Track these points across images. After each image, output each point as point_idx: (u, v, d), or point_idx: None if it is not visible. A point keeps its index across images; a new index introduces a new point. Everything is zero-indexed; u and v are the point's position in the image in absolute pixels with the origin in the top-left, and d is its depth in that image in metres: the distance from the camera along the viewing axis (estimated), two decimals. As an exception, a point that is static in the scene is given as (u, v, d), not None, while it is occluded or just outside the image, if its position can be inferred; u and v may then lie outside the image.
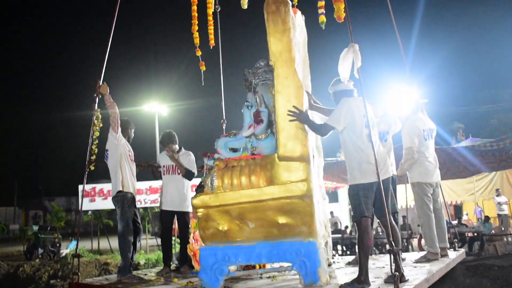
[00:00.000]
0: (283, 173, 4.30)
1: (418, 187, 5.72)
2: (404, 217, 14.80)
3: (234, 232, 4.49)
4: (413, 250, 11.95)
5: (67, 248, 21.98)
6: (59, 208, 27.93)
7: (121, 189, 5.55)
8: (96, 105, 5.62)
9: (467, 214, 15.90)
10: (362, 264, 4.05)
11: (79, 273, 5.31)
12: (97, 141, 5.62)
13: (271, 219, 4.38)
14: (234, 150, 5.12)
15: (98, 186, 22.60)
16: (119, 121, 5.55)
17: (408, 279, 4.16)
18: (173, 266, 6.15)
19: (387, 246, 4.05)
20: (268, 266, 5.44)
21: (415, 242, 12.41)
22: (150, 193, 21.64)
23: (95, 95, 5.57)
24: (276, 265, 5.36)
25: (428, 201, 5.68)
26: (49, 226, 26.59)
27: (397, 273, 3.81)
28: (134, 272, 5.77)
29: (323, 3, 5.19)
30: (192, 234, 5.63)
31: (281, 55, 4.45)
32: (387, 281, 4.02)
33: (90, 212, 24.35)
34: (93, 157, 5.64)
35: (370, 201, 4.16)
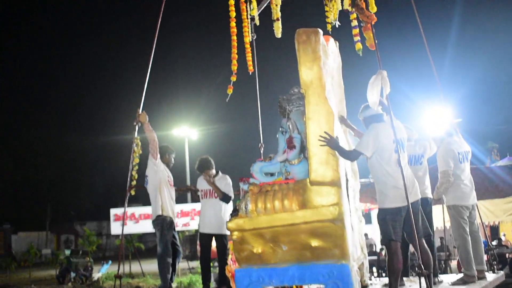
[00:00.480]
0: (315, 198, 4.59)
1: (454, 210, 5.91)
2: (441, 238, 14.75)
3: (268, 254, 4.81)
4: (451, 272, 11.91)
5: (99, 272, 22.61)
6: (90, 232, 28.64)
7: (160, 213, 6.05)
8: (136, 132, 6.12)
9: (504, 235, 15.74)
10: (392, 286, 4.37)
11: None
12: (137, 167, 6.14)
13: (304, 242, 4.67)
14: (270, 174, 5.48)
15: (130, 210, 23.29)
16: (158, 148, 6.06)
17: None
18: (212, 287, 6.49)
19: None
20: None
21: (454, 263, 12.39)
22: (181, 216, 22.10)
23: (135, 123, 6.08)
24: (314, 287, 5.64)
25: (464, 223, 5.86)
26: (80, 250, 27.41)
27: None
28: None
29: (357, 30, 5.60)
30: (230, 256, 5.98)
31: (312, 83, 4.79)
32: None
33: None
34: (134, 183, 6.14)
35: (398, 225, 4.45)
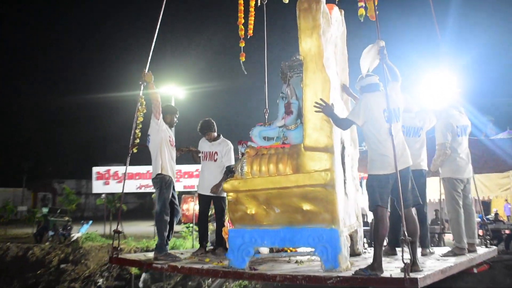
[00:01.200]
0: (308, 162, 5.08)
1: (448, 182, 6.35)
2: (436, 211, 15.30)
3: (261, 216, 5.34)
4: (444, 245, 12.50)
5: (78, 232, 23.06)
6: (70, 191, 29.09)
7: (160, 171, 6.50)
8: (141, 92, 6.60)
9: (496, 211, 16.38)
10: (376, 252, 4.74)
11: (118, 248, 6.45)
12: (140, 126, 6.63)
13: (296, 206, 5.16)
14: (270, 139, 5.98)
15: (113, 169, 23.80)
16: (160, 108, 6.48)
17: (422, 269, 4.84)
18: (209, 247, 7.03)
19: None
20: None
21: (448, 237, 13.00)
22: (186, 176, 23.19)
23: (140, 82, 6.54)
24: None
25: (458, 196, 6.29)
26: (59, 209, 27.91)
27: (408, 261, 4.42)
28: (171, 251, 6.73)
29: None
30: (227, 218, 6.42)
31: (310, 51, 5.23)
32: (402, 269, 4.61)
33: (103, 195, 25.49)
34: (137, 141, 6.63)
35: (385, 191, 4.85)
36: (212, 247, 7.19)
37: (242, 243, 5.39)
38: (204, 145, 7.29)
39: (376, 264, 4.71)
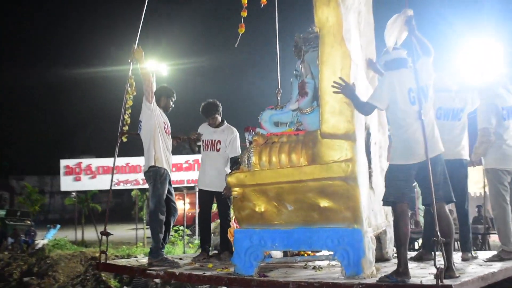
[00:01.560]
0: (326, 152, 5.41)
1: (492, 174, 6.58)
2: (479, 207, 15.38)
3: (272, 214, 5.72)
4: (489, 248, 12.57)
5: (44, 238, 23.36)
6: (33, 189, 29.43)
7: (153, 164, 6.90)
8: (130, 71, 6.98)
9: None
10: (400, 254, 5.05)
11: (106, 252, 6.85)
12: (130, 111, 7.03)
13: (312, 202, 5.50)
14: (282, 124, 6.32)
15: (85, 162, 24.19)
16: (153, 90, 6.88)
17: (459, 275, 5.08)
18: (212, 251, 7.45)
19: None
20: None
21: (494, 238, 13.18)
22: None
23: (129, 60, 6.93)
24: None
25: (504, 190, 6.51)
26: (18, 211, 28.24)
27: (441, 266, 4.65)
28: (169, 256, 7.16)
29: None
30: (233, 217, 6.70)
31: (327, 21, 5.55)
32: (435, 276, 4.77)
33: (74, 194, 25.98)
34: (126, 128, 7.05)
35: (406, 184, 5.20)
36: (216, 252, 7.48)
37: (250, 246, 5.74)
38: (205, 132, 7.63)
39: (402, 269, 4.98)
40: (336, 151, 5.39)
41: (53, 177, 48.29)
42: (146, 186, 22.90)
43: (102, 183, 24.65)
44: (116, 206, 47.99)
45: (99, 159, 26.34)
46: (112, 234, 7.00)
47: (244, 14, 8.05)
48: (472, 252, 6.70)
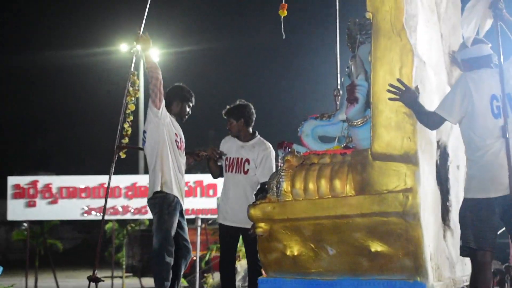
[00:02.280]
0: (378, 178, 5.77)
1: None
2: None
3: (307, 259, 6.17)
4: None
5: (-14, 285, 23.83)
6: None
7: (159, 189, 7.49)
8: (133, 65, 7.60)
9: None
10: None
11: None
12: (131, 118, 7.66)
13: (360, 245, 5.90)
14: (330, 139, 6.71)
15: (42, 180, 24.05)
16: (162, 92, 7.42)
17: None
18: None
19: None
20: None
21: None
22: (133, 195, 23.51)
23: (132, 50, 7.60)
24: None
25: None
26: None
27: None
28: None
29: None
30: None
31: (383, 3, 5.96)
32: None
33: (25, 225, 26.40)
34: (125, 140, 7.72)
35: (486, 225, 5.53)
36: None
37: None
38: (230, 147, 8.16)
39: None
40: (392, 177, 5.73)
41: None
42: (127, 216, 24.02)
43: (65, 211, 23.77)
44: (81, 245, 48.91)
45: (63, 177, 26.06)
46: (103, 281, 7.55)
47: None
48: None
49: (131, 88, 7.66)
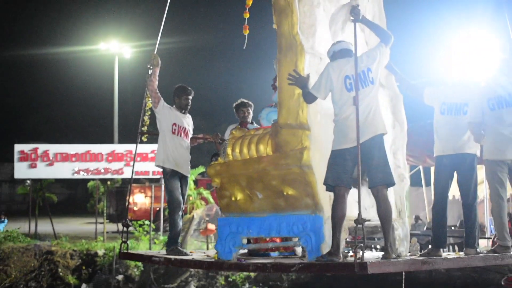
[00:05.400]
0: (286, 141, 6.88)
1: (488, 165, 7.69)
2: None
3: (246, 202, 7.40)
4: None
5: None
6: (-19, 176, 30.65)
7: (158, 163, 8.94)
8: (149, 75, 8.82)
9: None
10: (333, 236, 6.35)
11: (127, 242, 8.61)
12: (149, 112, 8.94)
13: (277, 190, 7.04)
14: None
15: (42, 147, 25.42)
16: (156, 97, 8.84)
17: (395, 257, 6.33)
18: None
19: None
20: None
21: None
22: (112, 159, 24.30)
23: (148, 65, 8.84)
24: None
25: (499, 184, 7.54)
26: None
27: (361, 245, 5.78)
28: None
29: None
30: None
31: (283, 14, 7.00)
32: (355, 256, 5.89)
33: (28, 182, 27.24)
34: (145, 128, 9.05)
35: (341, 168, 6.43)
36: None
37: (229, 233, 7.41)
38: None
39: (333, 250, 6.31)
40: (293, 140, 6.85)
41: (1, 164, 49.55)
42: (109, 176, 24.55)
43: (59, 171, 27.03)
44: (68, 198, 49.44)
45: (57, 145, 28.00)
46: (131, 226, 8.89)
47: (246, 15, 9.07)
48: (478, 247, 7.59)
49: (148, 91, 8.97)
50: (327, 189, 6.55)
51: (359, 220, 5.76)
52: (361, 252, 5.69)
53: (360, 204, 5.89)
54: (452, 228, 17.45)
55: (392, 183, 6.60)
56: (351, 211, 6.58)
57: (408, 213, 19.18)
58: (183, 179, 8.94)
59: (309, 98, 6.76)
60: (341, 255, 6.25)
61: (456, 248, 15.55)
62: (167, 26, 8.77)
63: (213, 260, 7.37)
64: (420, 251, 7.71)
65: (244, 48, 9.13)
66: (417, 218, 20.35)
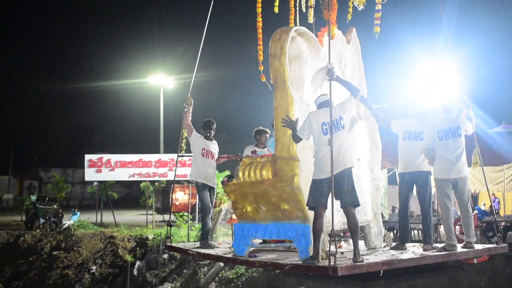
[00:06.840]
0: (281, 169, 7.76)
1: (437, 183, 8.25)
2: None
3: (253, 213, 8.35)
4: (439, 238, 14.16)
5: (70, 220, 24.66)
6: (60, 179, 31.35)
7: (189, 178, 9.94)
8: (185, 112, 10.11)
9: (484, 205, 17.69)
10: (314, 244, 6.97)
11: (171, 237, 9.86)
12: (185, 140, 9.90)
13: (276, 205, 7.98)
14: None
15: (106, 157, 27.19)
16: (189, 129, 9.75)
17: (362, 260, 6.54)
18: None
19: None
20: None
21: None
22: (159, 165, 24.77)
23: (184, 105, 9.70)
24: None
25: (446, 197, 7.97)
26: (47, 197, 30.57)
27: (333, 251, 5.98)
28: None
29: (379, 14, 8.15)
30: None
31: (278, 72, 7.64)
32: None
33: (95, 183, 27.84)
34: (183, 152, 10.30)
35: (320, 194, 6.96)
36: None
37: (242, 235, 8.32)
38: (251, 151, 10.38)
39: (314, 254, 7.00)
40: (286, 168, 7.49)
41: (75, 170, 52.17)
42: (156, 178, 24.62)
43: (119, 175, 30.41)
44: (126, 196, 51.84)
45: (117, 155, 30.06)
46: (174, 225, 9.32)
47: (261, 68, 9.34)
48: (434, 244, 7.85)
49: (183, 124, 9.89)
50: (309, 209, 7.19)
51: (332, 235, 6.12)
52: (333, 259, 6.01)
53: (333, 221, 6.14)
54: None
55: (357, 204, 6.98)
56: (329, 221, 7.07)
57: (387, 205, 19.62)
58: (211, 190, 9.81)
59: (296, 138, 7.47)
60: (319, 259, 6.76)
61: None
62: (201, 61, 9.37)
63: (229, 255, 8.13)
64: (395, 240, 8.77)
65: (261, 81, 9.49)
66: (393, 208, 20.62)
